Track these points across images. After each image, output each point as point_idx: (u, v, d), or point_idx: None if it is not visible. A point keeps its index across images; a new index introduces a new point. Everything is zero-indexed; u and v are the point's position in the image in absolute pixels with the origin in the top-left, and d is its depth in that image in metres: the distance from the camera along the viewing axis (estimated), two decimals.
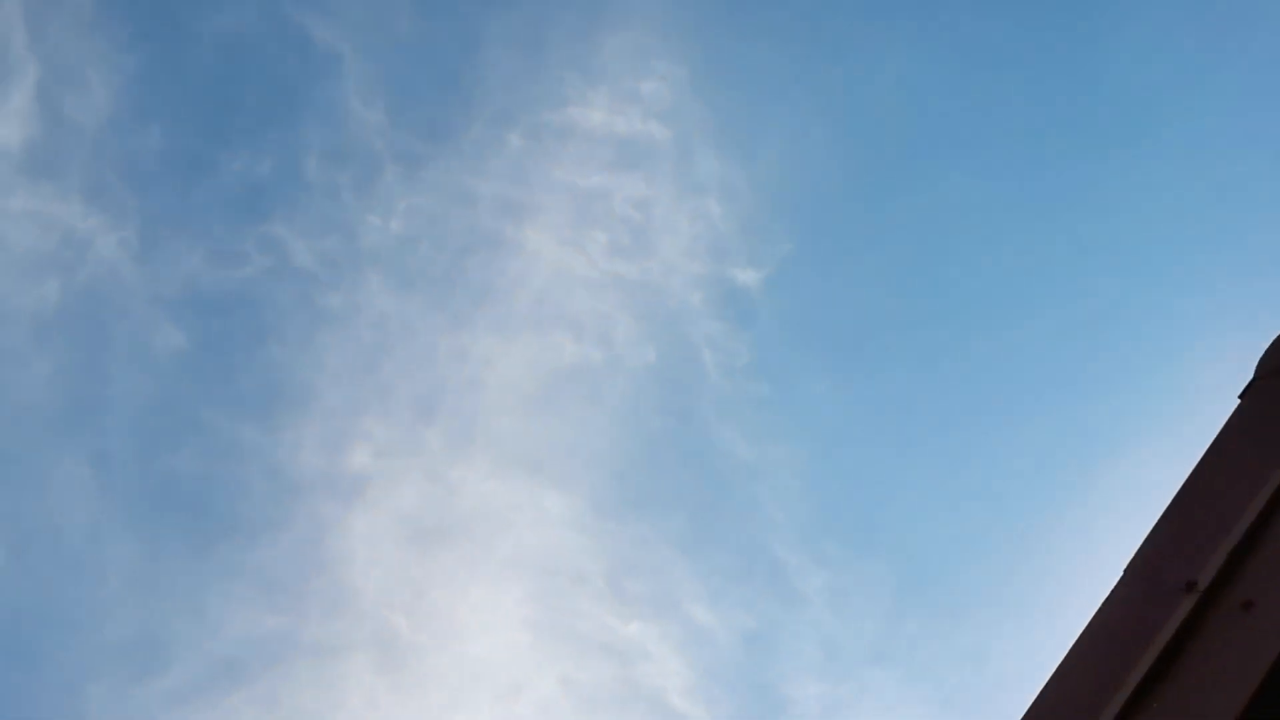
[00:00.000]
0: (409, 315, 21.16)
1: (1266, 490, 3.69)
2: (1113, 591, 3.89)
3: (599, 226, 21.28)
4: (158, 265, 20.40)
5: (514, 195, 21.07)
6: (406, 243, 20.86)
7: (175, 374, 20.74)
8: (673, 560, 21.45)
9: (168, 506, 21.42)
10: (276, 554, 21.59)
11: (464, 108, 20.86)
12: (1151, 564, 3.83)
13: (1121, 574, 3.91)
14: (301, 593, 21.68)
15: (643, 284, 21.41)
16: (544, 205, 21.17)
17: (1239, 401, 4.01)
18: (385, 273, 20.95)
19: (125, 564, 21.20)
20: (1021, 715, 3.75)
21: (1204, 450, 3.97)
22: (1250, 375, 4.01)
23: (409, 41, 20.77)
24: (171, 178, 20.27)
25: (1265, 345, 4.03)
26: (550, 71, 21.06)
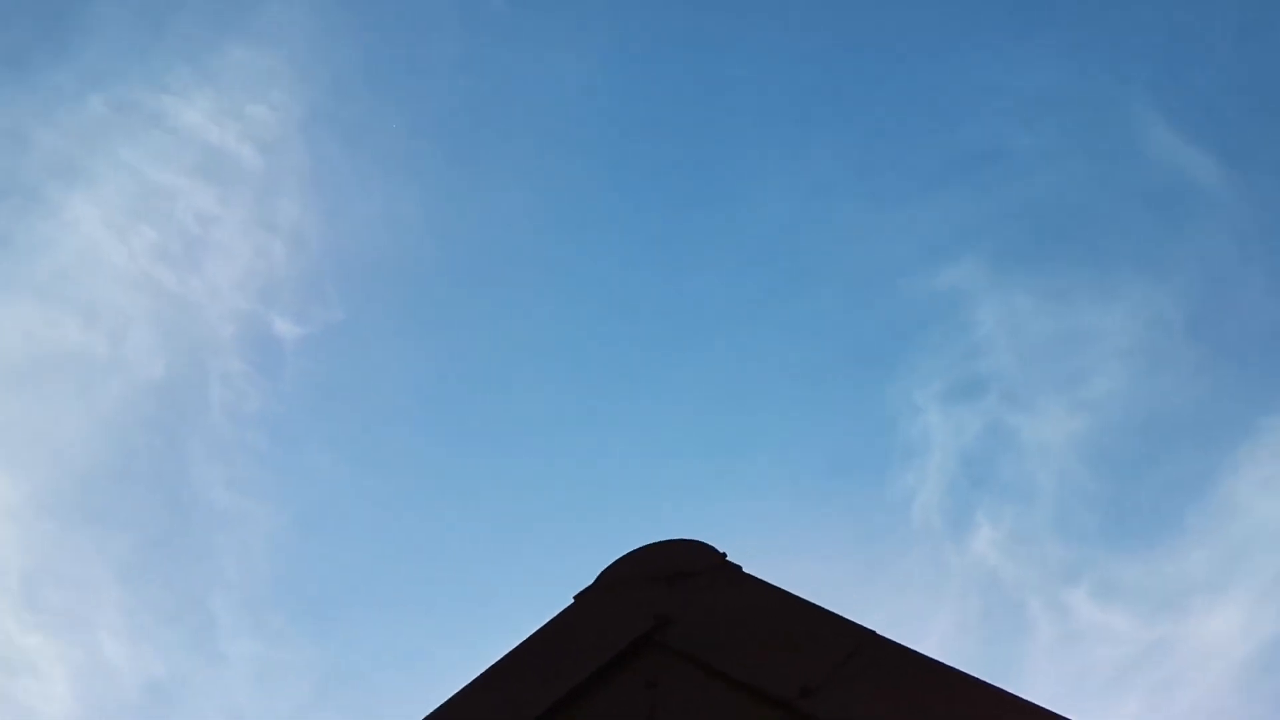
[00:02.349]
0: None
1: (562, 688, 3.93)
2: None
3: (154, 225, 20.13)
4: None
5: (76, 158, 19.63)
6: None
7: None
8: (104, 583, 20.05)
9: None
10: None
11: (57, 51, 19.38)
12: None
13: None
14: None
15: (178, 297, 20.34)
16: (103, 181, 19.83)
17: (573, 601, 4.28)
18: None
19: None
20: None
21: (528, 636, 4.20)
22: (590, 581, 4.31)
23: None
24: None
25: (615, 558, 4.34)
26: (163, 53, 19.97)
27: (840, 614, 3.90)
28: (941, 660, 3.68)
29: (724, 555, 4.19)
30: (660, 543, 4.30)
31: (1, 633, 19.49)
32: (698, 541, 4.27)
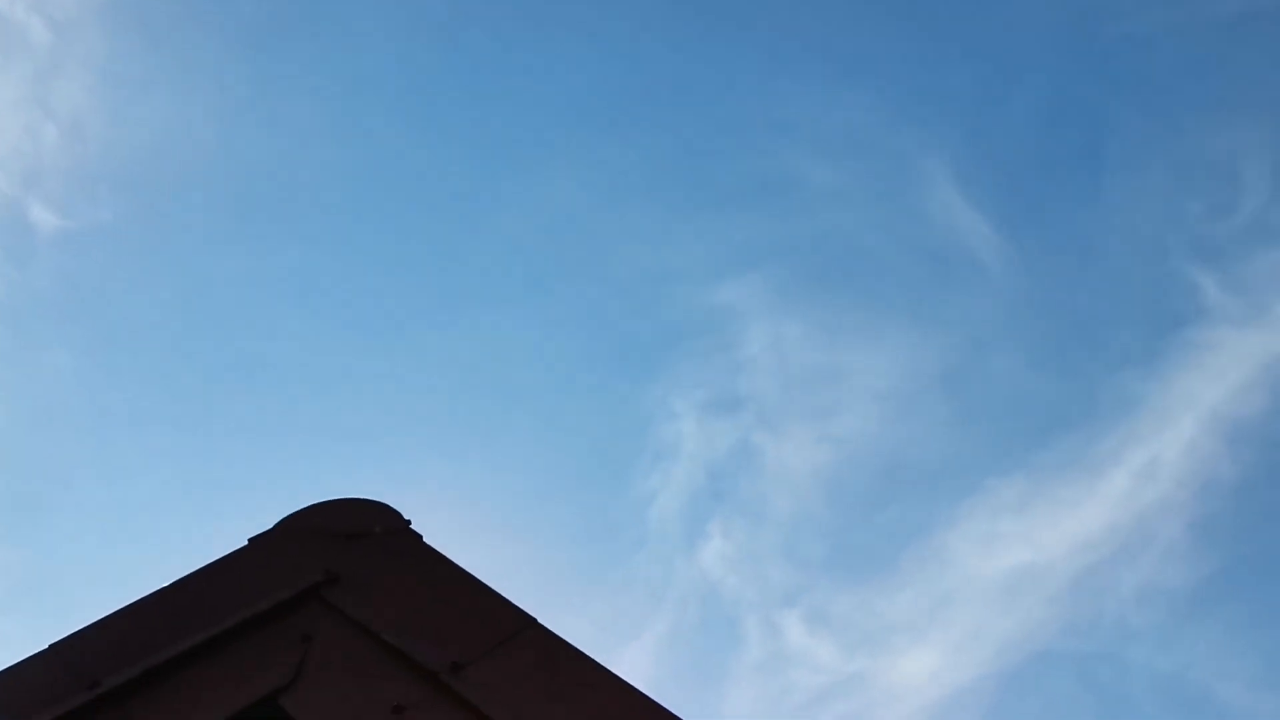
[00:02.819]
0: None
1: (212, 628, 3.84)
2: (28, 659, 3.83)
3: None
4: None
5: None
6: None
7: None
8: None
9: None
10: None
11: None
12: (76, 649, 3.82)
13: (47, 645, 3.87)
14: None
15: None
16: None
17: (247, 543, 4.19)
18: None
19: None
20: None
21: (193, 570, 4.09)
22: (269, 525, 4.22)
23: None
24: None
25: (301, 506, 4.27)
26: None
27: (510, 598, 3.93)
28: (595, 657, 3.75)
29: (408, 522, 4.17)
30: (343, 499, 4.24)
31: None
32: (381, 503, 4.24)
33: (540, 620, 3.85)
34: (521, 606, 3.90)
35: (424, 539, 4.13)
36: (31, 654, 3.82)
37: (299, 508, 4.27)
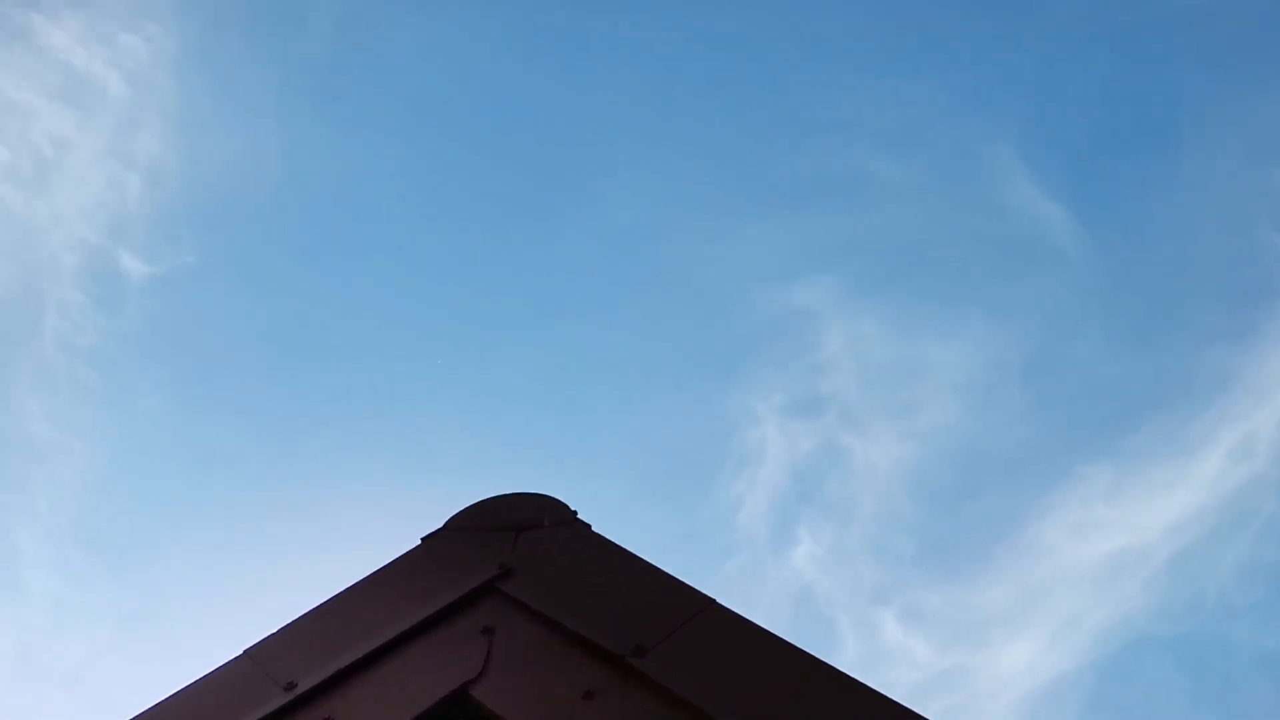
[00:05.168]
0: None
1: (398, 627, 3.92)
2: (223, 666, 3.93)
3: (3, 141, 19.33)
4: None
5: None
6: None
7: None
8: None
9: None
10: None
11: None
12: (270, 653, 3.92)
13: (241, 652, 3.97)
14: None
15: (20, 219, 19.55)
16: None
17: (420, 543, 4.27)
18: None
19: None
20: None
21: (370, 572, 4.18)
22: (439, 525, 4.30)
23: None
24: None
25: (461, 507, 4.35)
26: None
27: (684, 580, 3.97)
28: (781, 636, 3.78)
29: (574, 513, 4.23)
30: (511, 494, 4.31)
31: None
32: (548, 496, 4.30)
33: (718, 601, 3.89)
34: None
35: (591, 527, 4.19)
36: (227, 660, 3.92)
37: (461, 508, 4.35)
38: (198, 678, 3.89)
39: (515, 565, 4.05)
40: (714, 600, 3.88)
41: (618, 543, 4.14)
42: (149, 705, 3.92)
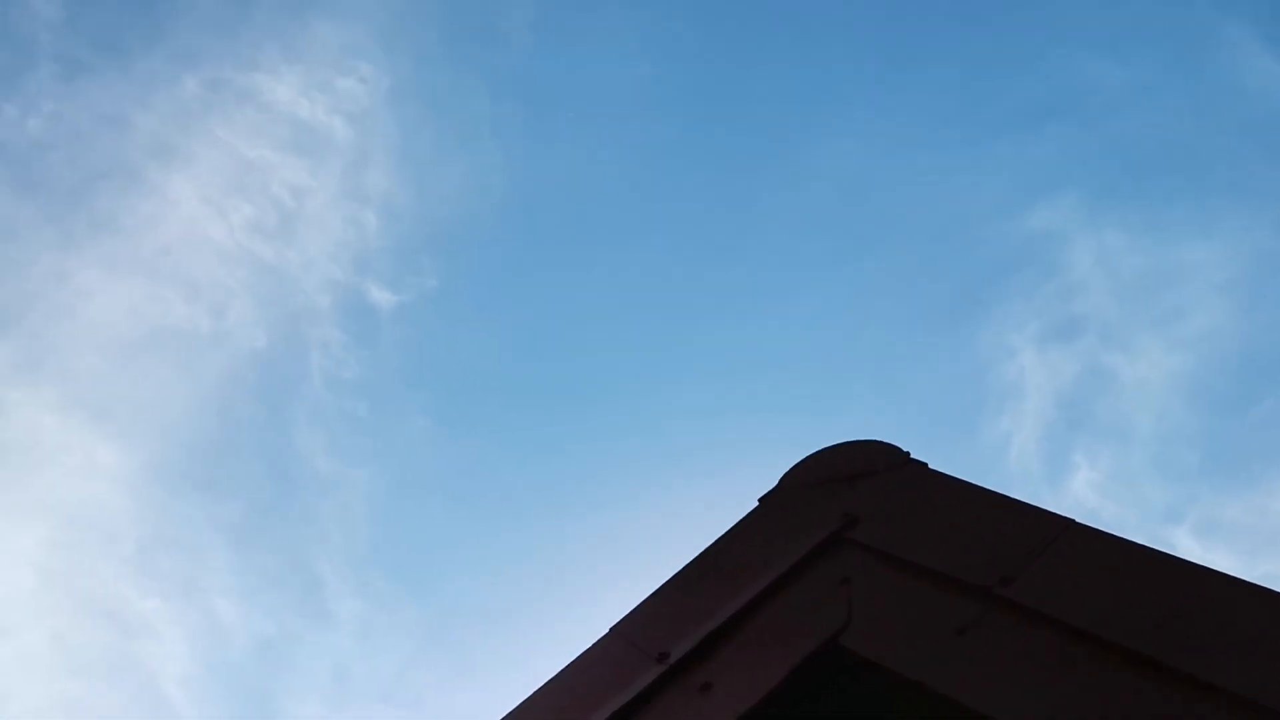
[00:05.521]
0: (16, 218, 19.53)
1: (754, 588, 3.96)
2: (593, 645, 4.05)
3: (248, 199, 20.44)
4: None
5: (171, 138, 19.95)
6: (40, 146, 19.31)
7: None
8: (214, 547, 20.51)
9: None
10: None
11: (150, 33, 19.68)
12: (637, 627, 4.02)
13: (607, 631, 4.08)
14: None
15: (274, 269, 20.66)
16: (199, 159, 20.15)
17: (758, 504, 4.30)
18: (5, 168, 19.29)
19: None
20: None
21: (716, 539, 4.23)
22: (773, 484, 4.32)
23: None
24: None
25: (793, 462, 4.35)
26: (251, 33, 20.21)
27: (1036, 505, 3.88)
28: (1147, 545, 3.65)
29: (907, 454, 4.19)
30: (842, 444, 4.30)
31: (121, 598, 20.03)
32: (877, 441, 4.27)
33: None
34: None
35: (928, 466, 4.14)
36: (597, 640, 4.04)
37: (794, 463, 4.36)
38: (571, 660, 4.02)
39: (859, 513, 4.04)
40: (1073, 520, 3.77)
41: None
42: (524, 696, 4.07)
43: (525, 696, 4.05)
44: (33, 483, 20.13)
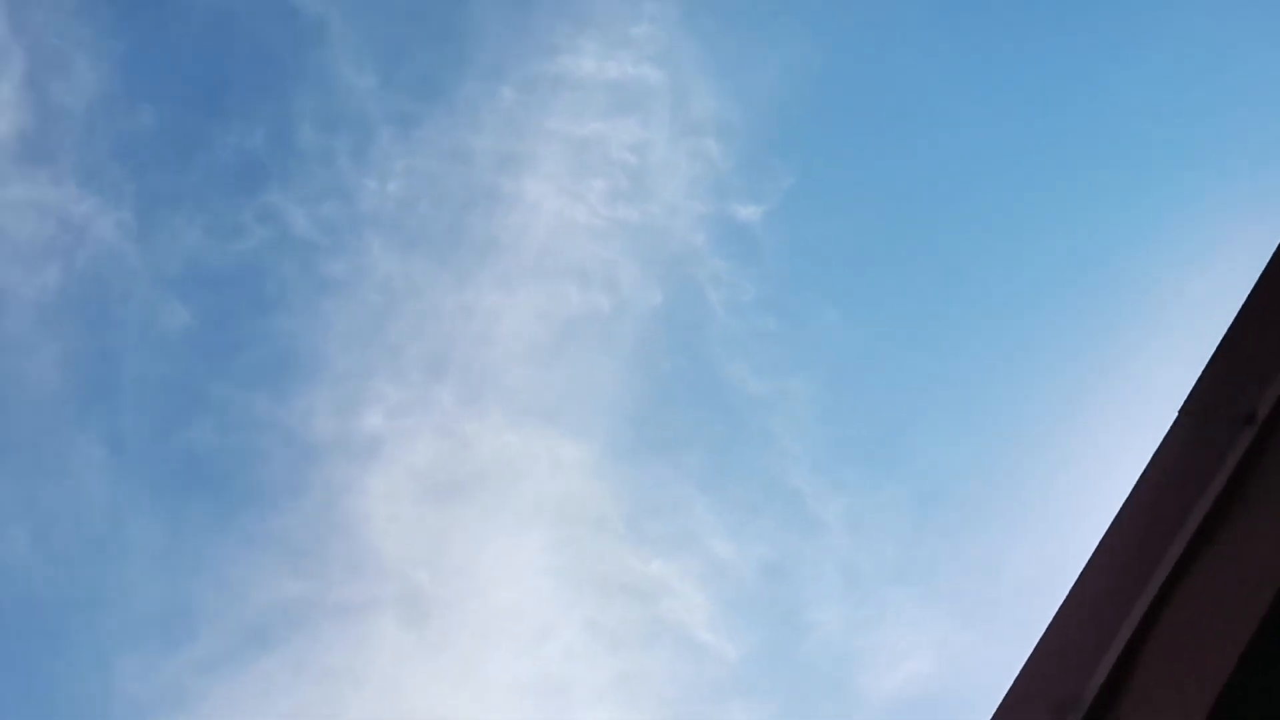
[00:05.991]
0: (413, 275, 21.09)
1: None
2: (1168, 432, 3.83)
3: (597, 174, 21.18)
4: (157, 244, 20.31)
5: (510, 148, 20.95)
6: (405, 203, 20.76)
7: (183, 351, 20.70)
8: (691, 498, 21.50)
9: (186, 481, 21.43)
10: (296, 519, 21.63)
11: (455, 64, 20.71)
12: (1207, 400, 3.77)
13: (1176, 415, 3.86)
14: (323, 555, 21.74)
15: (645, 228, 21.33)
16: (541, 156, 21.05)
17: None
18: (386, 234, 20.87)
19: (147, 540, 21.24)
20: (1087, 561, 3.72)
21: (1256, 278, 3.91)
22: None
23: (394, 1, 20.58)
24: (165, 157, 20.13)
25: None
26: (539, 22, 20.90)
27: None
28: None
29: None
30: None
31: (629, 571, 21.35)
32: None
33: None
34: None
35: None
36: (1169, 427, 3.84)
37: None
38: (1147, 455, 3.83)
39: None
40: None
41: None
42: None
43: (1107, 516, 3.89)
44: (516, 497, 21.78)
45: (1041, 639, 3.70)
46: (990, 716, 3.60)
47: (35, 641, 19.85)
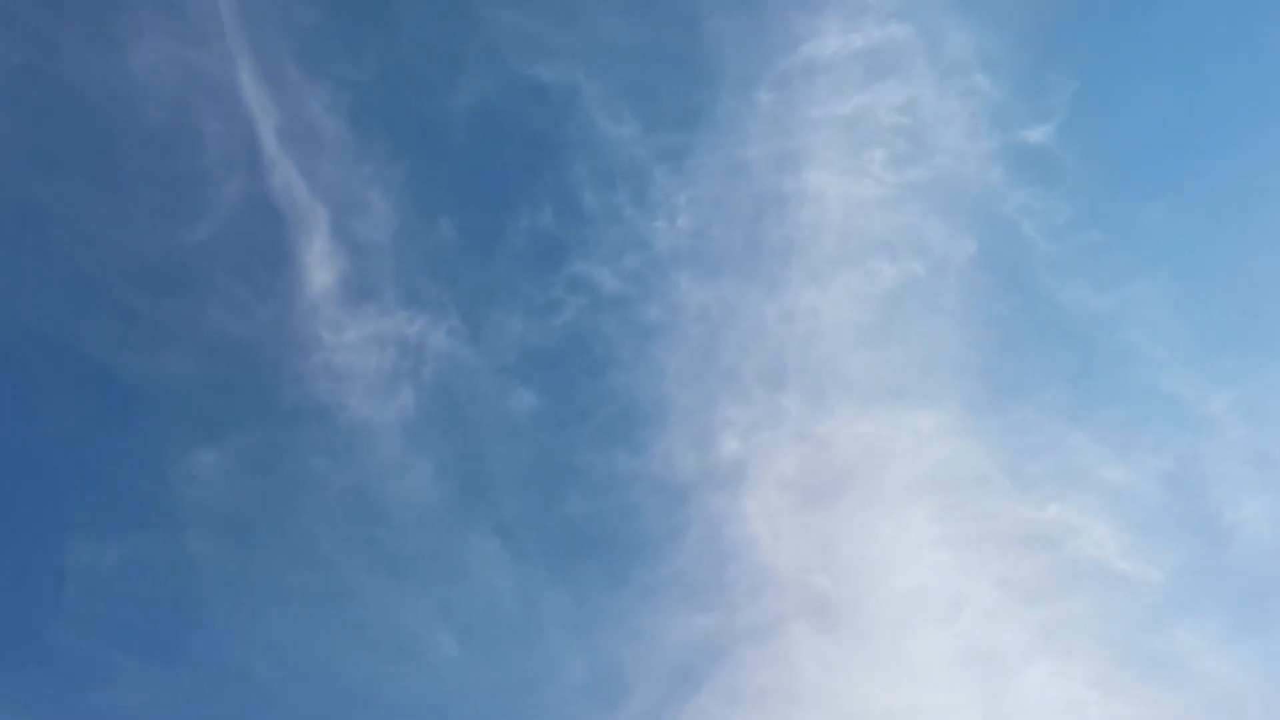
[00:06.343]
0: (725, 297, 21.38)
1: None
2: None
3: (874, 145, 20.94)
4: (488, 339, 21.33)
5: (781, 148, 20.97)
6: (698, 232, 21.09)
7: (538, 430, 21.63)
8: (1064, 433, 20.93)
9: (574, 550, 22.33)
10: (686, 558, 22.18)
11: (705, 85, 20.90)
12: None
13: None
14: (720, 585, 22.20)
15: (936, 182, 20.96)
16: (813, 146, 20.96)
17: None
18: (689, 267, 21.25)
19: (556, 613, 22.18)
20: None
21: None
22: None
23: (632, 46, 20.94)
24: (472, 258, 21.14)
25: None
26: (773, 18, 20.86)
27: None
28: None
29: None
30: None
31: (1026, 521, 20.86)
32: None
33: None
34: None
35: None
36: None
37: None
38: None
39: None
40: None
41: None
42: None
43: None
44: (888, 480, 21.69)
45: None
46: None
47: None
